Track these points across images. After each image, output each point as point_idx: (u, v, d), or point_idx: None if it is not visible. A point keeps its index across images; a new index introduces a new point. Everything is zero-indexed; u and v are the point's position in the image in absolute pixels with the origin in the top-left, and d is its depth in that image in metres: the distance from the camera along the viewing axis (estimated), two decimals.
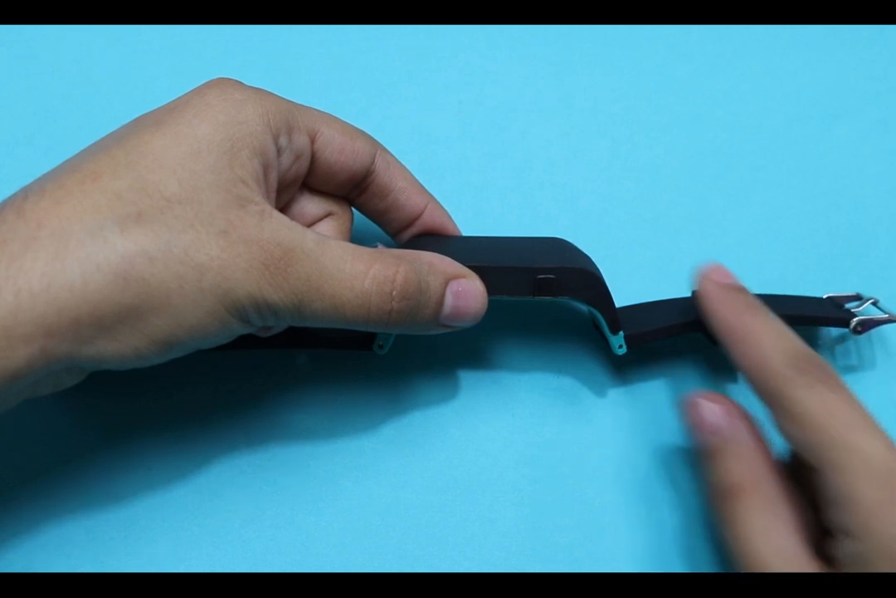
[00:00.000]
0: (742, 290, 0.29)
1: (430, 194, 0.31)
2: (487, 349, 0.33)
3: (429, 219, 0.30)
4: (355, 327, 0.26)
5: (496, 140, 0.36)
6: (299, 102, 0.29)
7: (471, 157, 0.35)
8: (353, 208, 0.30)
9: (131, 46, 0.36)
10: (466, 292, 0.27)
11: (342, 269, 0.25)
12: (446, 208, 0.31)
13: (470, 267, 0.28)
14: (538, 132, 0.36)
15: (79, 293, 0.22)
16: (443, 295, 0.27)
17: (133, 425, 0.30)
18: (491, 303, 0.28)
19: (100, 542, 0.29)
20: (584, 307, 0.32)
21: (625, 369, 0.33)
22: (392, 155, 0.30)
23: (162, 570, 0.29)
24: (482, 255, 0.29)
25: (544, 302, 0.33)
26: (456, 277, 0.27)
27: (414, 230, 0.31)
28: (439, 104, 0.36)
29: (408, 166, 0.30)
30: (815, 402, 0.25)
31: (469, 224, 0.34)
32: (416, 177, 0.30)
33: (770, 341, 0.27)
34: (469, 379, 0.32)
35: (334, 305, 0.25)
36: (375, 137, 0.29)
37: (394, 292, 0.25)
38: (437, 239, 0.31)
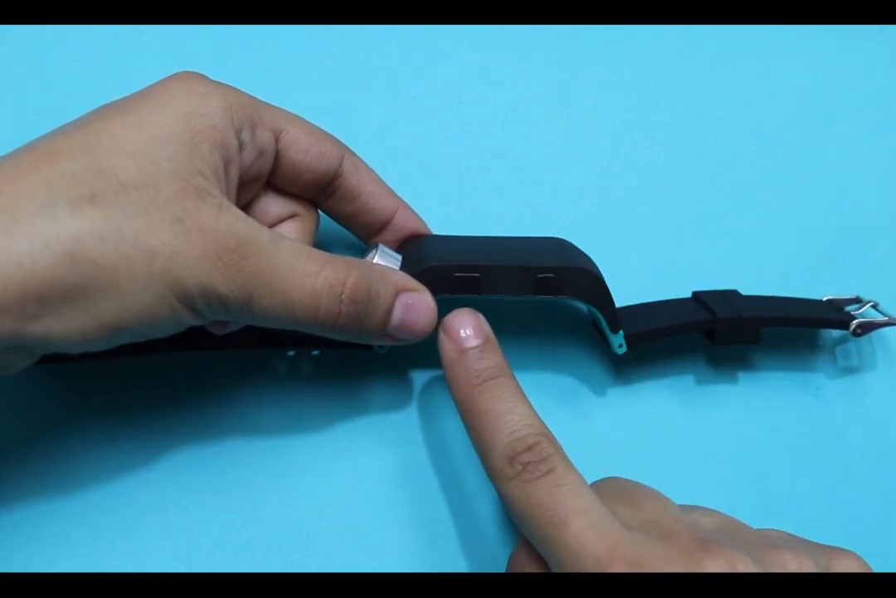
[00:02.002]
0: (481, 349, 0.27)
1: (400, 198, 0.31)
2: None
3: (401, 223, 0.30)
4: (304, 329, 0.26)
5: (496, 140, 0.36)
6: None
7: (471, 157, 0.35)
8: (320, 213, 0.30)
9: (131, 46, 0.36)
10: (416, 306, 0.27)
11: (295, 267, 0.25)
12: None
13: (470, 267, 0.28)
14: (538, 132, 0.36)
15: (26, 269, 0.22)
16: (392, 305, 0.27)
17: (134, 424, 0.30)
18: (491, 303, 0.28)
19: (100, 542, 0.29)
20: (583, 307, 0.32)
21: (625, 369, 0.33)
22: (360, 159, 0.30)
23: (162, 570, 0.29)
24: (482, 254, 0.29)
25: (544, 302, 0.33)
26: (407, 289, 0.27)
27: (387, 236, 0.31)
28: (439, 104, 0.36)
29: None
30: (523, 500, 0.24)
31: (469, 224, 0.34)
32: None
33: (492, 428, 0.25)
34: None
35: (284, 302, 0.25)
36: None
37: (343, 295, 0.25)
38: (435, 239, 0.31)
